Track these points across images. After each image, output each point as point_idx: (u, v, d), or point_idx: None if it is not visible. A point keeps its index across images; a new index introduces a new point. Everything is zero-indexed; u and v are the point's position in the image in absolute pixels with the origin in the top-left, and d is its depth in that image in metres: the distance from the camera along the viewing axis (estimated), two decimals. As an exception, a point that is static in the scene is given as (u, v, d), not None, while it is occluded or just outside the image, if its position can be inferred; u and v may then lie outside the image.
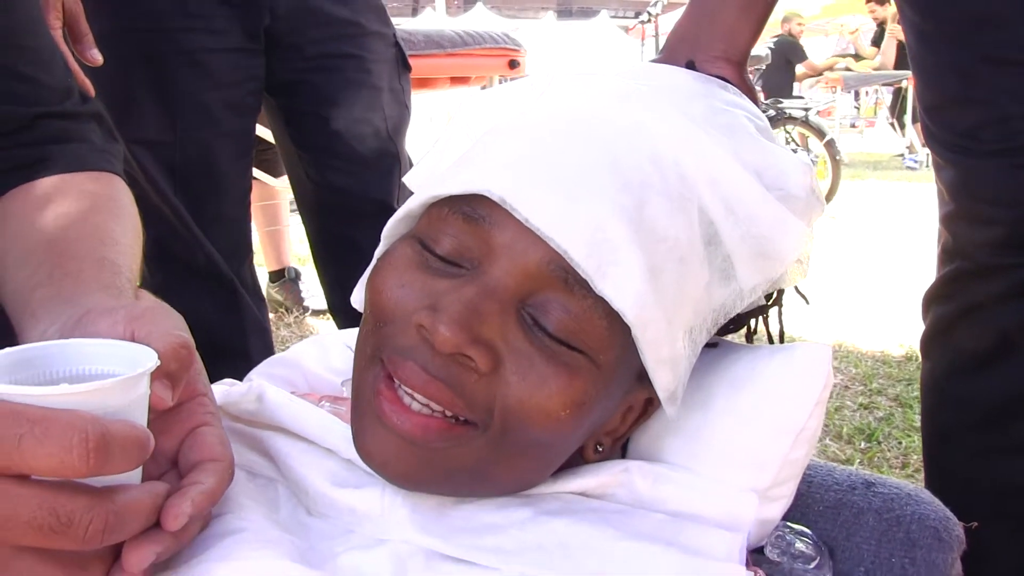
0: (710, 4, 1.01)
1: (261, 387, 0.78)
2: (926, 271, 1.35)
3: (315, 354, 0.95)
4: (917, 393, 2.55)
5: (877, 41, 10.48)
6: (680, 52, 0.98)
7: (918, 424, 2.35)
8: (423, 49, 2.94)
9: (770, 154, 0.77)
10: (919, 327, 1.32)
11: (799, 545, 0.76)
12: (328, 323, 3.30)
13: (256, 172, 2.90)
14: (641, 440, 0.80)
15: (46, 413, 0.50)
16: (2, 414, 0.50)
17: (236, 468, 0.65)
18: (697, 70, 0.93)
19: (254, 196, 1.98)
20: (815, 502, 0.83)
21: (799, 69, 10.56)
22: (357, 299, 0.79)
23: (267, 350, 1.83)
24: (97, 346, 0.60)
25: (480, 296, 0.64)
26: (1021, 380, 1.16)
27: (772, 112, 6.79)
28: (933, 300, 1.27)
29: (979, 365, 1.20)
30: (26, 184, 0.88)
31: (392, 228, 0.76)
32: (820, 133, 6.79)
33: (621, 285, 0.64)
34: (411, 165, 1.90)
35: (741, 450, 0.75)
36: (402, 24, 2.03)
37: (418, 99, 2.05)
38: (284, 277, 3.53)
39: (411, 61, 1.96)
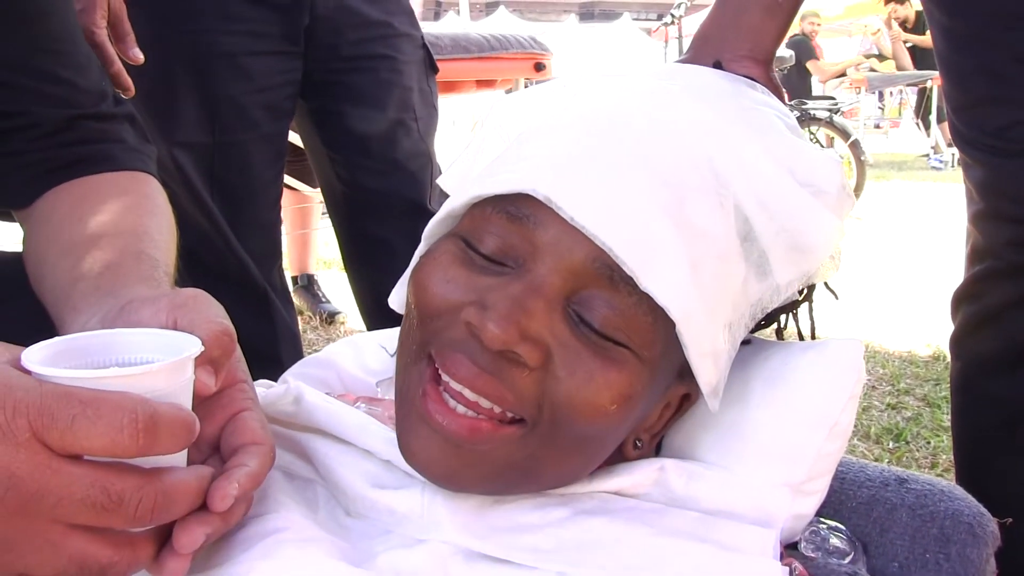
0: (735, 4, 1.01)
1: (299, 388, 0.78)
2: (952, 271, 1.35)
3: (350, 354, 0.95)
4: (945, 393, 2.55)
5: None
6: (706, 53, 0.98)
7: (947, 424, 2.34)
8: (449, 53, 2.93)
9: (801, 151, 0.77)
10: (946, 327, 1.31)
11: (833, 540, 0.77)
12: (350, 327, 3.32)
13: (291, 180, 2.91)
14: (676, 437, 0.80)
15: (97, 395, 0.52)
16: (55, 396, 0.51)
17: (274, 469, 0.66)
18: (724, 70, 0.93)
19: (284, 201, 1.99)
20: (848, 498, 0.83)
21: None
22: (396, 300, 0.80)
23: (297, 354, 1.84)
24: (142, 335, 0.61)
25: (527, 293, 0.64)
26: (1053, 378, 1.16)
27: (797, 113, 6.75)
28: (963, 299, 1.27)
29: (1010, 363, 1.19)
30: (65, 183, 0.90)
31: (434, 228, 0.76)
32: (845, 134, 6.74)
33: (665, 281, 0.65)
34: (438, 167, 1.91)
35: (776, 444, 0.76)
36: (425, 28, 2.04)
37: (442, 103, 2.05)
38: (297, 283, 3.53)
39: (437, 64, 1.97)
